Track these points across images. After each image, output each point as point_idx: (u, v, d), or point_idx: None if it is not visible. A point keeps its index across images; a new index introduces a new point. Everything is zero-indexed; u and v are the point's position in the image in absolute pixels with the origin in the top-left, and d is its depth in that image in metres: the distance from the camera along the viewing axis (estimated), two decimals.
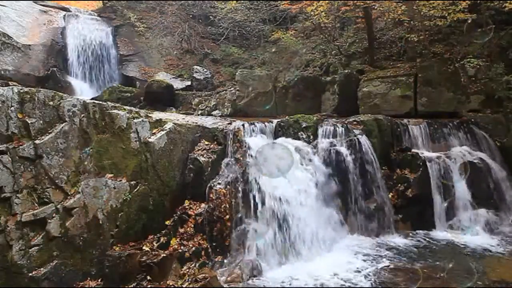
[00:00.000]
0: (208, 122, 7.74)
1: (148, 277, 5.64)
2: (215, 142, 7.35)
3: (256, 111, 11.62)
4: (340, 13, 12.94)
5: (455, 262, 6.64)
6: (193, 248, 6.22)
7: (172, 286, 5.62)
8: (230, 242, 6.56)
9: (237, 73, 12.10)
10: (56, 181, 5.62)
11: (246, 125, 7.79)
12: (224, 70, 17.18)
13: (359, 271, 6.41)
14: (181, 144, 6.87)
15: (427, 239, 7.73)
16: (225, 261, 6.41)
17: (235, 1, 15.04)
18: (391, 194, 8.23)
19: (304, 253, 6.91)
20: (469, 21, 10.23)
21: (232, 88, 12.56)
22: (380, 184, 8.14)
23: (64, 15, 17.07)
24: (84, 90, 15.97)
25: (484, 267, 6.38)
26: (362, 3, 11.00)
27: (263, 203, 6.97)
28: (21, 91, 5.65)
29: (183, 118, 7.64)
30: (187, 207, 6.60)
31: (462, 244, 7.43)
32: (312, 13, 12.69)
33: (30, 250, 5.33)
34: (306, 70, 14.53)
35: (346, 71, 11.66)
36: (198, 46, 17.67)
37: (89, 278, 5.65)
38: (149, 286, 5.62)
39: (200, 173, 6.86)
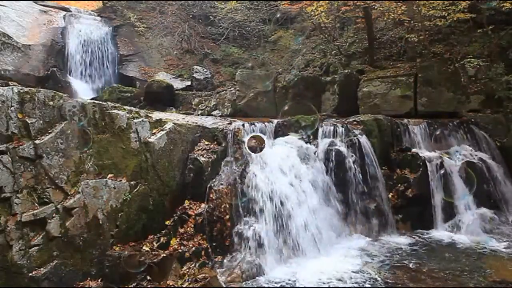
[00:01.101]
0: (208, 122, 7.71)
1: (148, 277, 5.65)
2: (215, 142, 7.31)
3: (256, 111, 11.62)
4: (340, 13, 12.91)
5: (455, 261, 6.67)
6: (193, 248, 6.19)
7: (172, 286, 5.62)
8: (230, 242, 6.54)
9: (237, 73, 12.14)
10: (56, 181, 5.60)
11: (246, 125, 7.78)
12: (224, 70, 17.20)
13: (360, 271, 6.40)
14: (181, 144, 6.85)
15: (427, 239, 7.73)
16: (225, 261, 6.37)
17: (235, 1, 15.01)
18: (391, 194, 8.24)
19: (305, 253, 6.90)
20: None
21: (232, 88, 12.58)
22: (380, 184, 8.14)
23: (64, 15, 17.09)
24: (84, 90, 15.99)
25: (484, 267, 6.39)
26: (362, 3, 11.00)
27: (263, 203, 6.96)
28: (21, 91, 5.63)
29: (183, 118, 7.62)
30: (187, 207, 6.59)
31: (462, 244, 7.44)
32: (312, 13, 12.72)
33: (30, 250, 5.31)
34: (306, 70, 14.56)
35: (346, 71, 11.69)
36: (198, 46, 17.70)
37: (89, 278, 5.63)
38: (149, 286, 5.61)
39: (200, 173, 6.83)
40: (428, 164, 8.34)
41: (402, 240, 7.67)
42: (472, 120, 9.53)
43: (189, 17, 17.65)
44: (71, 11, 17.72)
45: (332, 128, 8.35)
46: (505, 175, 8.73)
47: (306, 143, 8.11)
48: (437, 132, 9.19)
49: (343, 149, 8.10)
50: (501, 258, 6.83)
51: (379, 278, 6.15)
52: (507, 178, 8.71)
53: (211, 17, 18.00)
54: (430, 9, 10.55)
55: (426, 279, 6.03)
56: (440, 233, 7.98)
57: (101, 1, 19.13)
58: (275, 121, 8.44)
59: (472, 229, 7.83)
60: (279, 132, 8.24)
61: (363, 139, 8.25)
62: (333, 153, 7.99)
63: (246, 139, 7.56)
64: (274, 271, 6.47)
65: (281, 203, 7.05)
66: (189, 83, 15.28)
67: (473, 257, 6.86)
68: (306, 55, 15.54)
